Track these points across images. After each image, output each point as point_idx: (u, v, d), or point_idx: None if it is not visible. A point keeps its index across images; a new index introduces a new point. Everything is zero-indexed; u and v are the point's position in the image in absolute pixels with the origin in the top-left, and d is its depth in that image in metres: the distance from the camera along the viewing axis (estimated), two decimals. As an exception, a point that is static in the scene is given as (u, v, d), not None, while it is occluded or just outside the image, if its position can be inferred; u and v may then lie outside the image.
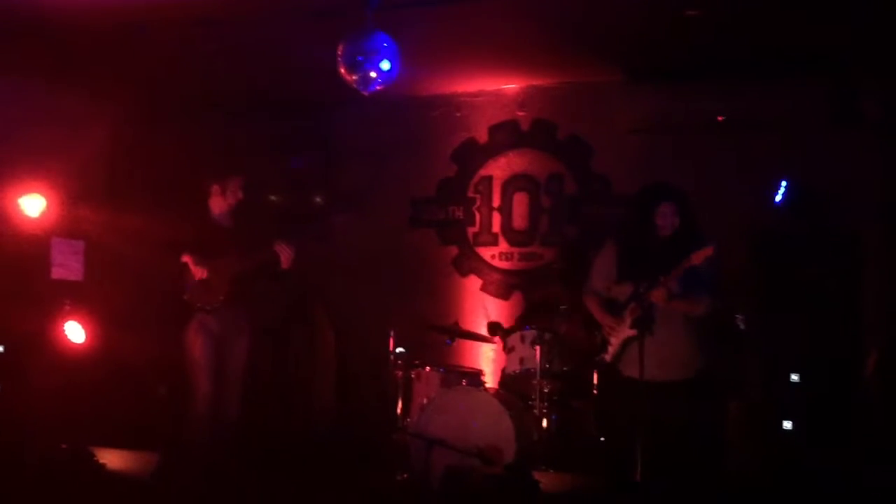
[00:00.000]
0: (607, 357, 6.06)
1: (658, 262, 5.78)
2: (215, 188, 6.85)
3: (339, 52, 6.08)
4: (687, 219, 5.89)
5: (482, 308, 8.23)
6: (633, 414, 5.67)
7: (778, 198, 7.15)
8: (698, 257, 5.59)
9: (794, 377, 6.71)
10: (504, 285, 8.49)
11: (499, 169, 8.61)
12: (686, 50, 7.20)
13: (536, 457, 6.65)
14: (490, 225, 8.61)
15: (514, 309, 8.32)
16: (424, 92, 8.56)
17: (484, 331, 7.76)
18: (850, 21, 6.44)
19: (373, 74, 6.05)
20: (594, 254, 6.33)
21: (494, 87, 8.55)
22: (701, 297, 5.80)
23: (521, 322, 7.82)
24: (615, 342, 5.98)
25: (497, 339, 7.68)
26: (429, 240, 8.76)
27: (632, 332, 5.81)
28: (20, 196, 7.49)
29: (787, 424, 6.67)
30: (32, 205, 7.53)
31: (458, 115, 8.70)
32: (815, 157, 7.24)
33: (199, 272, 6.64)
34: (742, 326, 6.96)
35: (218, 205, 6.88)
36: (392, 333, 7.34)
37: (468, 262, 8.64)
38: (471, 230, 8.67)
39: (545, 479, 5.94)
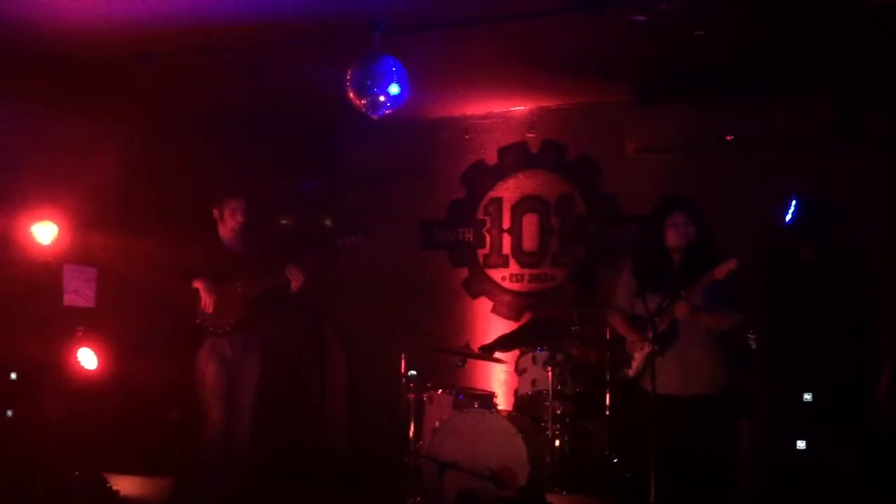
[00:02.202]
0: (630, 372, 5.99)
1: (677, 276, 5.76)
2: (215, 213, 6.89)
3: (348, 77, 6.11)
4: (702, 229, 5.85)
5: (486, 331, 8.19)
6: (652, 429, 5.64)
7: (788, 216, 7.15)
8: (721, 271, 5.55)
9: (807, 396, 6.69)
10: (515, 307, 8.49)
11: (508, 190, 8.63)
12: (694, 69, 7.21)
13: (549, 479, 6.63)
14: (500, 246, 8.62)
15: (525, 331, 8.33)
16: (433, 114, 8.60)
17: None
18: (855, 37, 6.45)
19: (381, 98, 6.08)
20: (616, 272, 6.31)
21: (503, 109, 8.58)
22: (726, 310, 5.74)
23: (518, 335, 7.83)
24: (639, 357, 5.92)
25: (508, 360, 7.69)
26: (439, 262, 8.78)
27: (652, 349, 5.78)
28: (32, 223, 7.51)
29: (801, 444, 6.64)
30: (44, 232, 7.55)
31: (467, 137, 8.73)
32: (822, 174, 7.24)
33: (210, 301, 6.66)
34: (754, 345, 6.94)
35: (222, 229, 6.91)
36: (403, 356, 7.32)
37: (479, 284, 8.65)
38: (481, 252, 8.68)
39: (558, 502, 5.93)
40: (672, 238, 5.85)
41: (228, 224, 6.90)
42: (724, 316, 5.76)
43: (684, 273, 5.76)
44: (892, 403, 6.60)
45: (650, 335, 5.75)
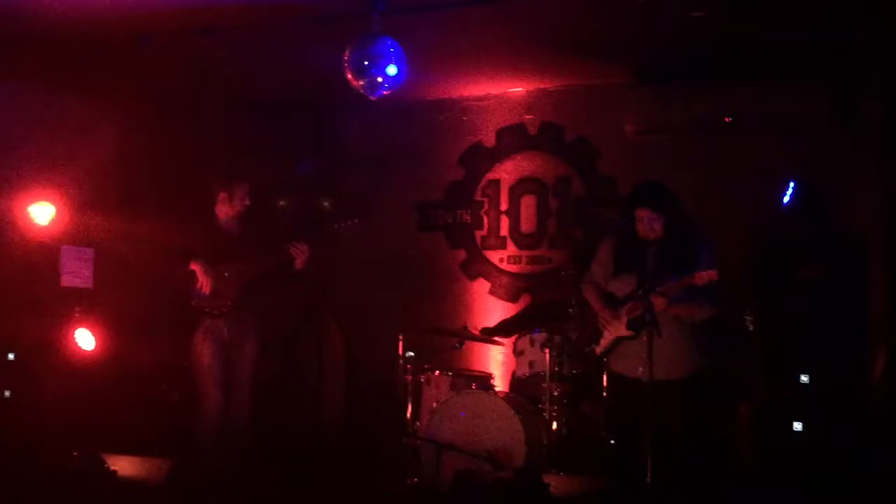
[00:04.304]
0: (598, 349, 6.13)
1: (649, 266, 5.83)
2: (222, 196, 6.87)
3: (346, 58, 6.09)
4: (673, 225, 5.88)
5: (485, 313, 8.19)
6: (634, 412, 5.69)
7: (786, 199, 7.15)
8: (701, 278, 5.57)
9: (804, 378, 6.70)
10: (512, 288, 8.49)
11: (506, 172, 8.61)
12: (692, 52, 7.20)
13: (546, 460, 6.66)
14: (498, 228, 8.61)
15: (523, 313, 8.34)
16: (431, 96, 8.57)
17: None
18: (852, 21, 6.44)
19: (380, 79, 6.06)
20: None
21: (501, 91, 8.56)
22: (703, 305, 5.80)
23: (520, 320, 7.84)
24: (607, 336, 6.03)
25: (506, 342, 7.70)
26: (437, 244, 8.77)
27: (625, 333, 5.89)
28: (29, 204, 7.51)
29: (797, 426, 6.66)
30: (42, 213, 7.55)
31: (465, 118, 8.70)
32: (819, 158, 7.24)
33: (207, 283, 6.66)
34: (750, 327, 6.95)
35: (224, 211, 6.91)
36: (401, 338, 7.35)
37: (476, 266, 8.65)
38: (479, 234, 8.67)
39: (555, 483, 5.93)
40: (640, 231, 5.93)
41: (235, 207, 6.90)
42: (698, 309, 5.81)
43: (659, 265, 5.81)
44: (887, 386, 6.62)
45: (625, 320, 5.85)
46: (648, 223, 5.87)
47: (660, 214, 5.86)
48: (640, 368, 5.72)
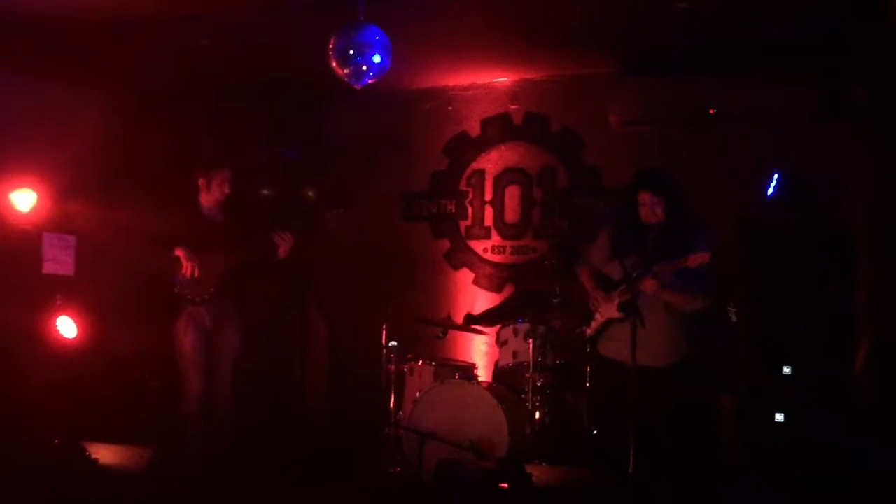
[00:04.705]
0: (588, 331, 6.16)
1: (648, 250, 5.86)
2: (201, 182, 6.85)
3: (331, 46, 6.06)
4: (674, 210, 5.92)
5: (470, 302, 8.19)
6: (618, 397, 5.71)
7: (770, 190, 7.16)
8: (694, 260, 5.62)
9: (786, 369, 6.72)
10: (496, 278, 8.48)
11: (491, 162, 8.60)
12: (678, 42, 7.20)
13: (529, 450, 6.65)
14: (482, 218, 8.60)
15: (506, 302, 8.34)
16: (416, 85, 8.55)
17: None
18: (841, 12, 6.44)
19: (364, 68, 6.03)
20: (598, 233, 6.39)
21: (486, 81, 8.55)
22: (695, 294, 5.83)
23: (504, 309, 7.84)
24: (599, 318, 6.07)
25: (489, 332, 7.70)
26: (421, 233, 8.76)
27: (616, 315, 5.91)
28: (11, 191, 7.46)
29: (779, 417, 6.68)
30: (23, 200, 7.51)
31: (450, 108, 8.69)
32: (806, 149, 7.25)
33: (190, 268, 6.64)
34: (734, 318, 6.96)
35: (205, 199, 6.88)
36: (384, 327, 7.33)
37: (460, 256, 8.64)
38: (463, 223, 8.66)
39: (538, 472, 5.94)
40: (642, 215, 5.98)
41: (214, 194, 6.87)
42: (689, 298, 5.86)
43: (658, 249, 5.84)
44: (869, 377, 6.64)
45: (617, 302, 5.88)
46: (651, 207, 5.93)
47: (662, 198, 5.92)
48: (623, 352, 5.74)
